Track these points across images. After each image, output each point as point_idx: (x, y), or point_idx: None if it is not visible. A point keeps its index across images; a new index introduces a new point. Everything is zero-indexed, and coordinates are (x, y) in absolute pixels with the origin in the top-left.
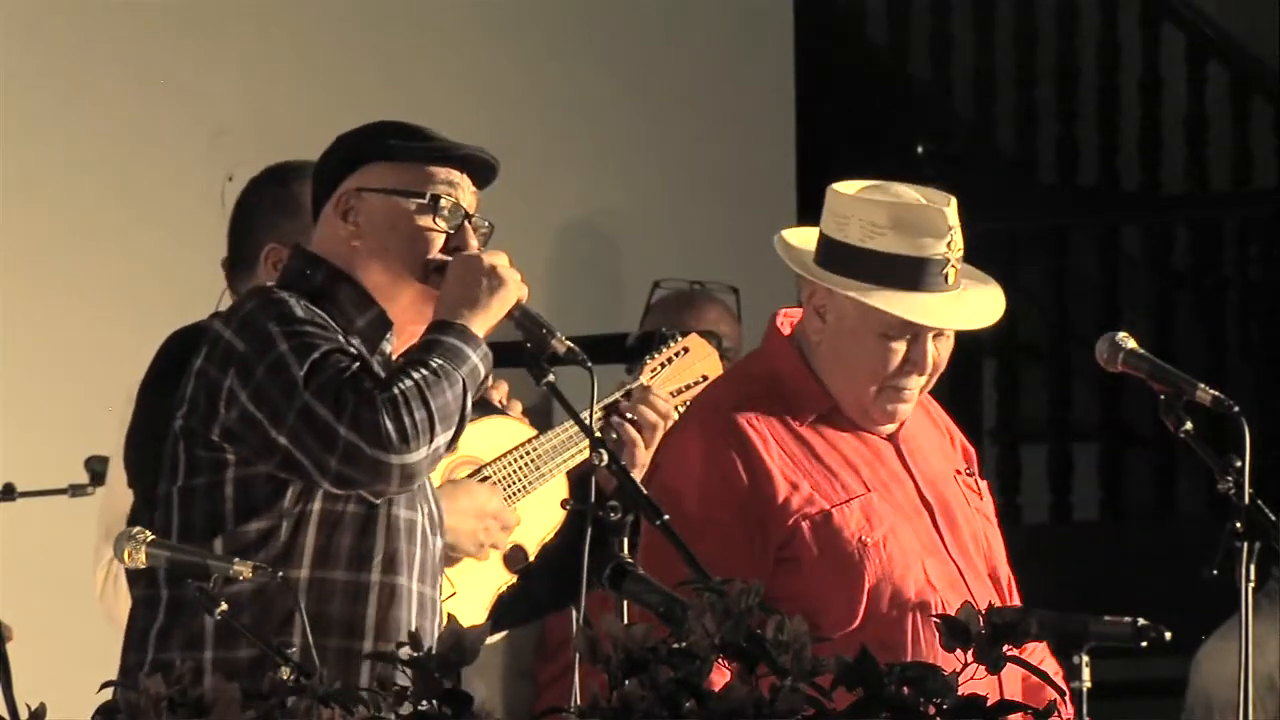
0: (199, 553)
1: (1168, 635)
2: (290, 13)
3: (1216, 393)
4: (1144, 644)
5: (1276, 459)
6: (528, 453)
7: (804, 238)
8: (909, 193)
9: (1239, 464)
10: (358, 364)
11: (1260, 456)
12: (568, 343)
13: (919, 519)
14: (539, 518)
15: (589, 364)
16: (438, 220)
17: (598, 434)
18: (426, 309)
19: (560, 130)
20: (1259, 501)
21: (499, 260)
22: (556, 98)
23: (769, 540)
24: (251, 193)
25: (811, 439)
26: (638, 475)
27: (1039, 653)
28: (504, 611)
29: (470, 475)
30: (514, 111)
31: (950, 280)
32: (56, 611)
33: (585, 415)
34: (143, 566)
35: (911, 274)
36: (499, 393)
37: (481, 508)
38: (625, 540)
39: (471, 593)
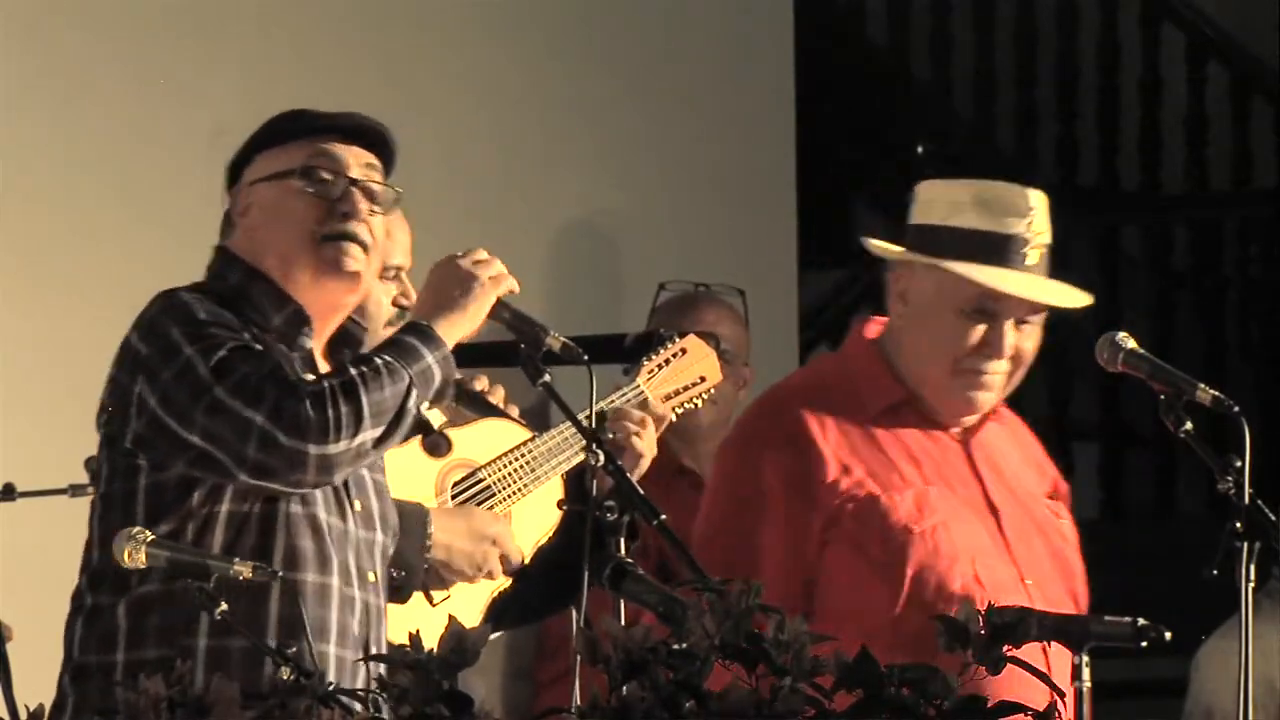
0: (199, 553)
1: (1168, 635)
2: (290, 13)
3: (1216, 393)
4: (1144, 644)
5: (1276, 459)
6: (523, 455)
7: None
8: (997, 182)
9: (1239, 464)
10: (271, 357)
11: (1260, 456)
12: (563, 339)
13: (981, 520)
14: (535, 521)
15: (586, 359)
16: (313, 190)
17: (595, 433)
18: (330, 288)
19: (560, 130)
20: (1259, 501)
21: (477, 257)
22: (556, 98)
23: (814, 519)
24: None
25: (875, 430)
26: (636, 476)
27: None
28: (500, 613)
29: (466, 478)
30: (514, 111)
31: (1030, 260)
32: (56, 611)
33: (581, 415)
34: (142, 566)
35: (990, 248)
36: (496, 396)
37: (479, 531)
38: (623, 540)
39: (466, 596)
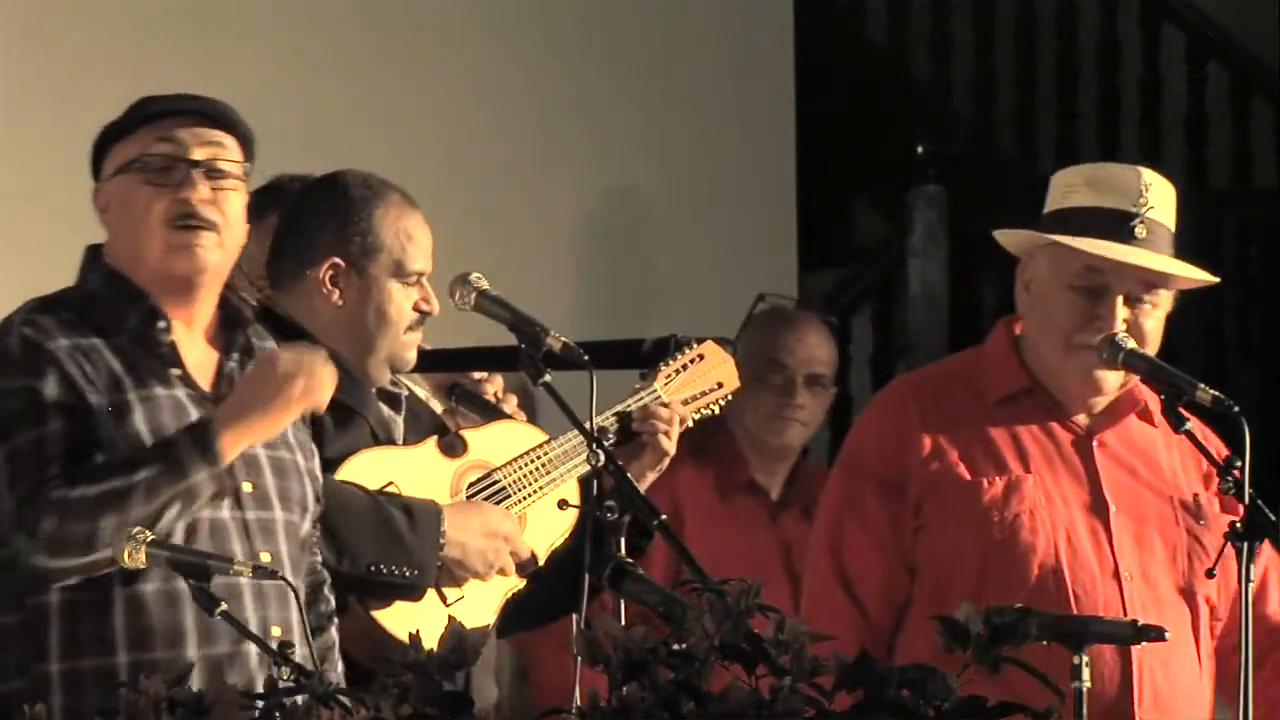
0: (199, 553)
1: (1167, 635)
2: (290, 13)
3: (1216, 393)
4: (1144, 643)
5: (1276, 459)
6: (539, 457)
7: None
8: (1114, 163)
9: (1239, 464)
10: (44, 430)
11: (1260, 456)
12: (563, 339)
13: (1084, 513)
14: (550, 523)
15: (586, 359)
16: (151, 178)
17: (596, 434)
18: (179, 273)
19: (560, 131)
20: (1259, 501)
21: (299, 364)
22: (557, 98)
23: (907, 498)
24: (318, 197)
25: (986, 419)
26: (654, 476)
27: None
28: (513, 616)
29: (481, 479)
30: (514, 112)
31: (1140, 234)
32: None
33: (611, 415)
34: (142, 566)
35: (1097, 223)
36: (494, 385)
37: (493, 529)
38: (622, 540)
39: (479, 596)
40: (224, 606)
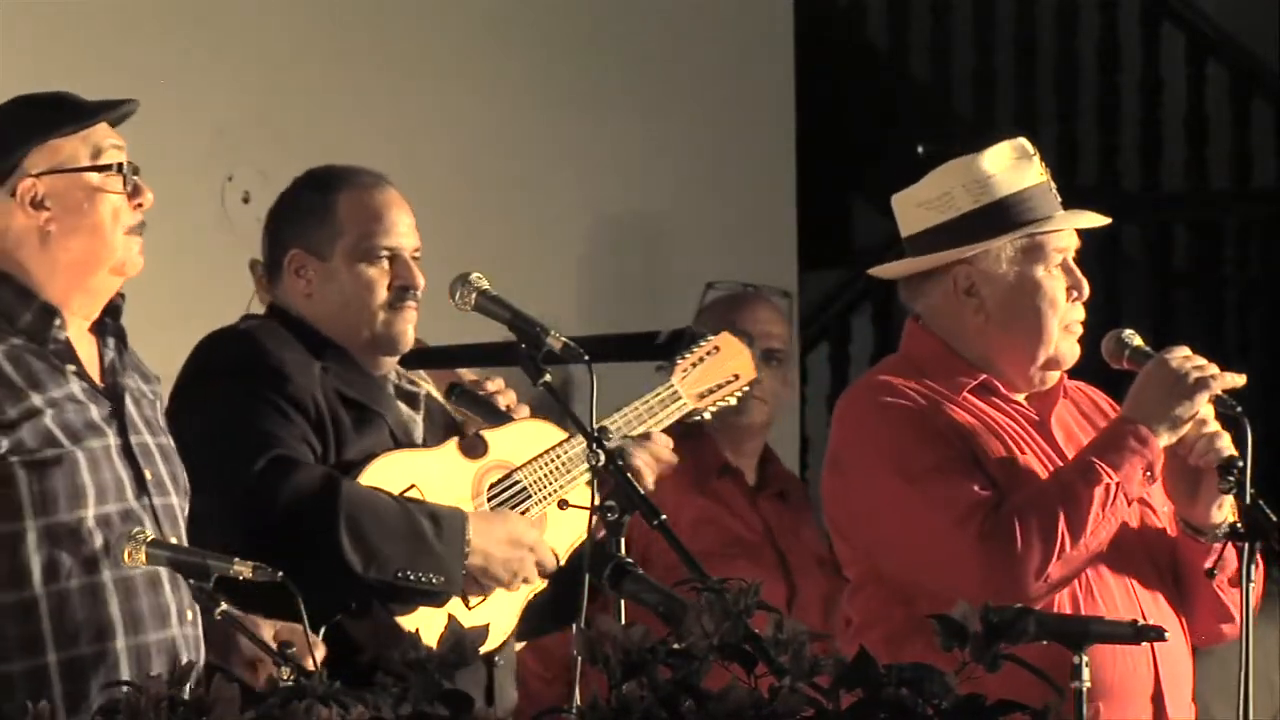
0: (199, 553)
1: (1167, 635)
2: (290, 13)
3: (1222, 394)
4: (1143, 643)
5: (1277, 459)
6: (558, 456)
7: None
8: (993, 146)
9: (1240, 464)
10: None
11: (1261, 456)
12: (563, 339)
13: None
14: (570, 522)
15: (587, 359)
16: (120, 184)
17: (596, 434)
18: (123, 277)
19: (561, 132)
20: (1259, 501)
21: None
22: (558, 98)
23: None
24: (287, 195)
25: (959, 408)
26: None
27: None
28: (538, 618)
29: (502, 479)
30: (517, 112)
31: (1061, 197)
32: None
33: (624, 412)
34: (143, 566)
35: (1039, 202)
36: (506, 398)
37: (517, 538)
38: (622, 540)
39: (500, 600)
40: (224, 606)
